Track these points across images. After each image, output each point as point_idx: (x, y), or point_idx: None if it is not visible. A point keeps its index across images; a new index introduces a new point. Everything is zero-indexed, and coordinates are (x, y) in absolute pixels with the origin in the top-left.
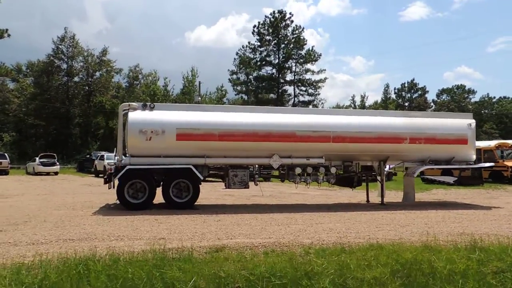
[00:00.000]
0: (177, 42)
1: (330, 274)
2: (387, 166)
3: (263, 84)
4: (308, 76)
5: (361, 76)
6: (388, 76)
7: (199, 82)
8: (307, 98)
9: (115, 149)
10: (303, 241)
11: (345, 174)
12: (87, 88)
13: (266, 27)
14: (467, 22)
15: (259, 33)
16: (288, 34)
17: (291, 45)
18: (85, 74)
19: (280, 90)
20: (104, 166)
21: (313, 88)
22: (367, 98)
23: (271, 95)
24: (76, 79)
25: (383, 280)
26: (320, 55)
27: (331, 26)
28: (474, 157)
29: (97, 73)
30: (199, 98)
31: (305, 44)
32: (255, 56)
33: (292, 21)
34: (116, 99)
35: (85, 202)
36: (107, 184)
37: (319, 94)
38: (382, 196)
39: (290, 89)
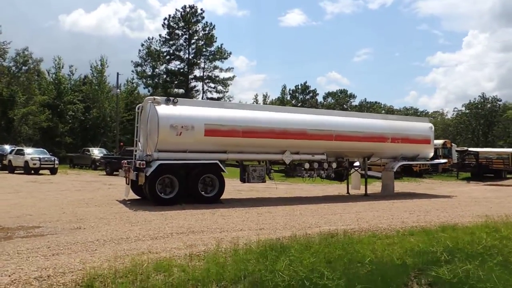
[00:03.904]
0: (50, 25)
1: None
2: (356, 163)
3: (172, 78)
4: (216, 73)
5: (244, 75)
6: (269, 76)
7: (117, 73)
8: (215, 95)
9: (137, 142)
10: (380, 226)
11: (338, 169)
12: None
13: (176, 21)
14: (337, 32)
15: (169, 26)
16: (199, 30)
17: (202, 42)
18: None
19: (189, 86)
20: (26, 162)
21: (222, 86)
22: (268, 97)
23: (179, 89)
24: None
25: None
26: (230, 53)
27: (216, 24)
28: (432, 154)
29: None
30: (118, 90)
31: (215, 41)
32: (163, 49)
33: (203, 17)
34: (17, 87)
35: (90, 200)
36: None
37: (227, 91)
38: (366, 188)
39: (199, 85)
